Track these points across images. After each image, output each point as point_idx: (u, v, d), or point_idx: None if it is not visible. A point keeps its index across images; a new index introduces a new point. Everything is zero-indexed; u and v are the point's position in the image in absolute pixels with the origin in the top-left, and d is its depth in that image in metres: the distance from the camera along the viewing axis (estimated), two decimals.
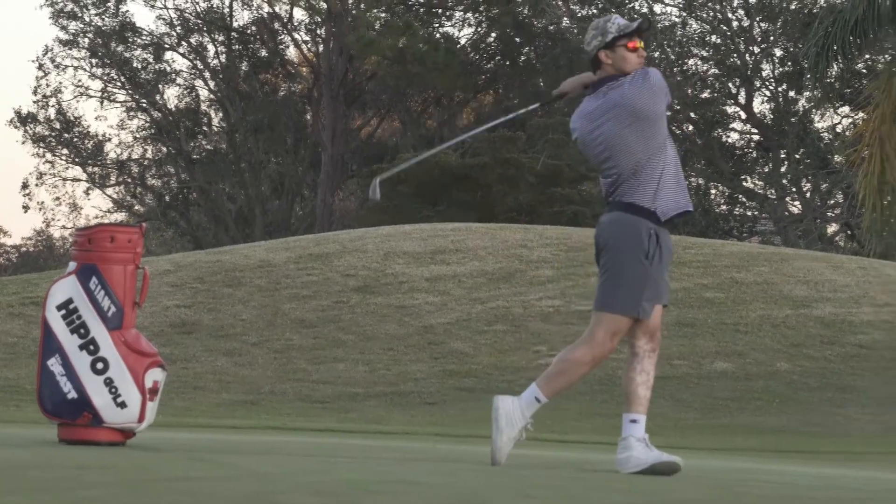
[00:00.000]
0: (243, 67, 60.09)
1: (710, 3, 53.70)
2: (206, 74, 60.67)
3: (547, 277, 23.34)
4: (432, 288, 23.23)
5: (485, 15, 54.77)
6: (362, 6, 54.61)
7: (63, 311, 9.04)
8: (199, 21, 59.68)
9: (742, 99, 54.54)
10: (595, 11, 53.67)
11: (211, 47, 60.29)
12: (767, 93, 54.62)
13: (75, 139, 61.63)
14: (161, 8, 61.54)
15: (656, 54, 52.76)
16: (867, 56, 44.74)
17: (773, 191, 54.55)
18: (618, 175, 9.20)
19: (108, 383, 8.99)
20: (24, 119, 60.85)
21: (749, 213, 55.45)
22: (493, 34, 55.33)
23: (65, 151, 61.92)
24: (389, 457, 9.87)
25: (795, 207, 54.37)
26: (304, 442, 11.96)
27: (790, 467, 13.44)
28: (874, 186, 35.62)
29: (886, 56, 41.41)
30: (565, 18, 54.11)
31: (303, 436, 14.28)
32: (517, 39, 54.44)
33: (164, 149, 61.74)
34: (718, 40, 54.34)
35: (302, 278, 24.74)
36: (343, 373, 20.82)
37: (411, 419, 18.03)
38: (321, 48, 58.00)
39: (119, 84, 60.63)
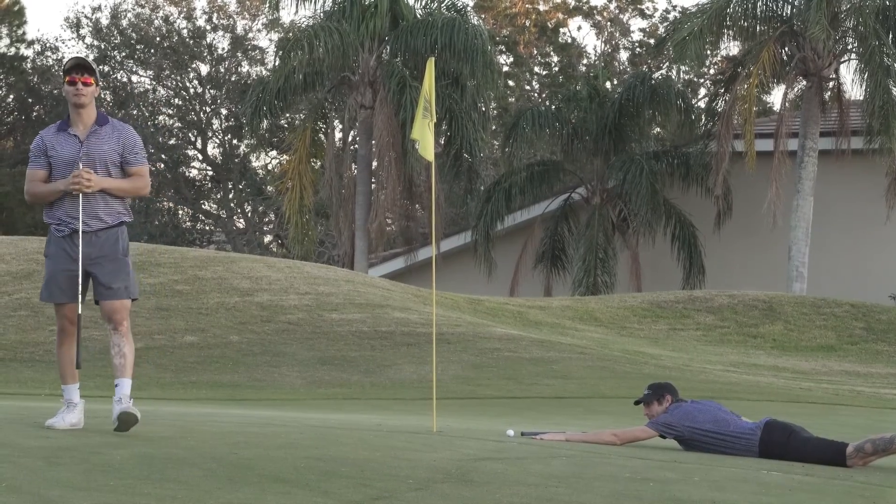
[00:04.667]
0: None
1: (172, 75, 53.42)
2: None
3: None
4: None
5: (4, 82, 53.08)
6: None
7: None
8: None
9: (199, 145, 54.48)
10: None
11: None
12: (217, 140, 54.75)
13: None
14: None
15: (134, 112, 52.20)
16: (288, 114, 45.39)
17: (224, 211, 54.73)
18: None
19: None
20: None
21: (207, 228, 55.43)
22: (12, 96, 53.64)
23: None
24: None
25: (241, 223, 54.67)
26: None
27: (240, 410, 13.67)
28: (296, 208, 36.30)
29: (301, 115, 42.15)
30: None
31: None
32: (30, 100, 52.96)
33: None
34: (180, 102, 54.11)
35: None
36: None
37: None
38: None
39: None
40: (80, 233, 8.40)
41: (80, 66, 8.54)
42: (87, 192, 8.38)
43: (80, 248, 8.38)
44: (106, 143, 8.54)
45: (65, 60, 8.55)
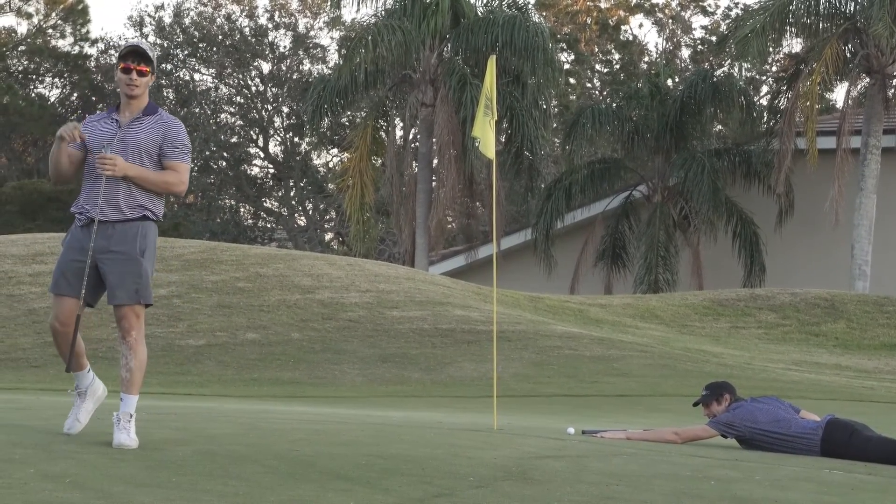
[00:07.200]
0: None
1: (234, 73, 53.69)
2: None
3: None
4: (34, 281, 22.64)
5: (68, 80, 53.57)
6: None
7: None
8: None
9: (261, 143, 54.72)
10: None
11: None
12: (279, 138, 54.97)
13: None
14: None
15: (197, 110, 52.47)
16: (349, 112, 45.48)
17: (286, 209, 54.94)
18: None
19: None
20: None
21: (269, 226, 55.67)
22: (76, 94, 54.13)
23: None
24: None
25: (302, 221, 54.87)
26: None
27: (301, 407, 13.71)
28: (357, 206, 36.40)
29: (362, 112, 42.20)
30: None
31: None
32: (93, 98, 53.40)
33: None
34: (242, 100, 54.38)
35: None
36: None
37: (20, 379, 17.59)
38: None
39: None
40: (96, 221, 7.58)
41: (136, 53, 7.63)
42: (108, 174, 7.57)
43: (93, 238, 7.56)
44: (145, 131, 7.69)
45: (122, 45, 7.65)
